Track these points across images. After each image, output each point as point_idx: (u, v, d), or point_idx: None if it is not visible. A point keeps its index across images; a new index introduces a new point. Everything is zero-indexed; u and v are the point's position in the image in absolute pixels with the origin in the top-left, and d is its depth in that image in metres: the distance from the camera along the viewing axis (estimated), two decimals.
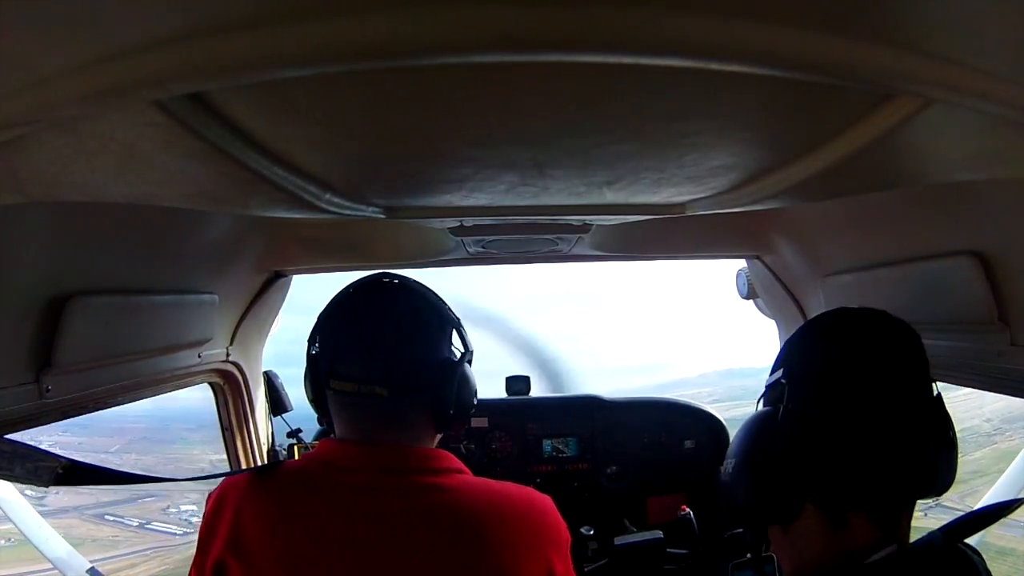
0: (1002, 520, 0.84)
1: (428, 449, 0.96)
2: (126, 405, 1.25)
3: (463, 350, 1.01)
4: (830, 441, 0.75)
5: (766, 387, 0.86)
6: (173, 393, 1.50)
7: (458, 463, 0.95)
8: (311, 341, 0.99)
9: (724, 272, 2.13)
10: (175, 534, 4.12)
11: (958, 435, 0.85)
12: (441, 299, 1.02)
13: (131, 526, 4.11)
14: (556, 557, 0.91)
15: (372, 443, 0.93)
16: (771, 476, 0.77)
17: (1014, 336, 0.98)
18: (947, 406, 0.83)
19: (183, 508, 4.21)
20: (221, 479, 0.97)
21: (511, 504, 0.91)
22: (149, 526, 4.17)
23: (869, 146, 0.68)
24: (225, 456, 1.87)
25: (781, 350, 0.87)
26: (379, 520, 0.86)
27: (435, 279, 1.04)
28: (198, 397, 1.86)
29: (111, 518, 4.07)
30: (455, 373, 0.96)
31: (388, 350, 0.94)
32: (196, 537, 0.94)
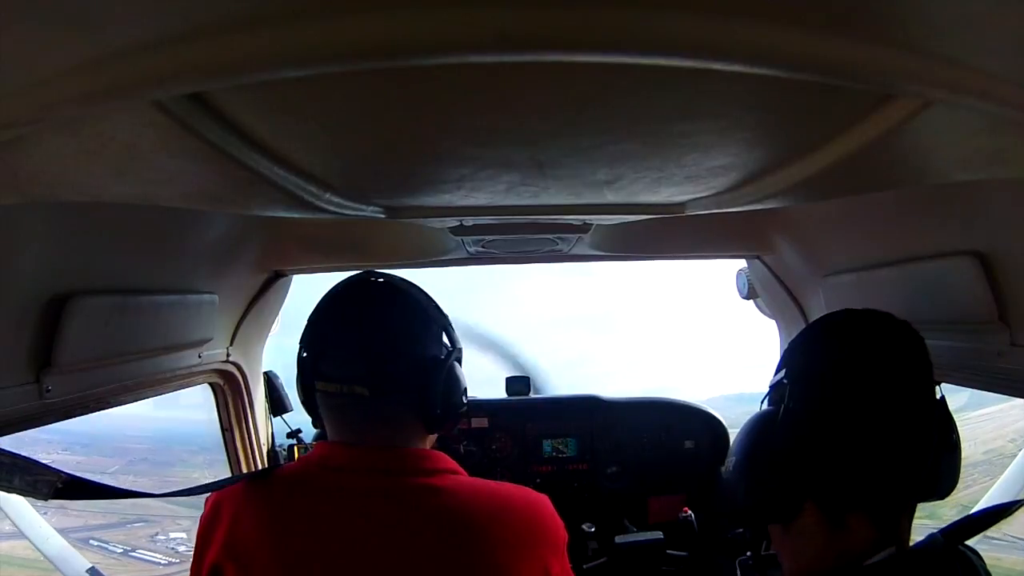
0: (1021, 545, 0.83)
1: (420, 450, 0.95)
2: (130, 425, 1.24)
3: (450, 348, 0.99)
4: (830, 442, 0.76)
5: (770, 387, 0.86)
6: (179, 415, 1.47)
7: (452, 463, 0.94)
8: (301, 343, 0.99)
9: (735, 291, 2.12)
10: (159, 563, 3.96)
11: (983, 457, 0.84)
12: (429, 297, 1.00)
13: (115, 553, 3.95)
14: (552, 557, 0.90)
15: (362, 444, 0.92)
16: (770, 475, 0.78)
17: (1014, 336, 0.98)
18: (970, 427, 0.81)
19: (172, 535, 4.05)
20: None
21: (506, 504, 0.90)
22: (133, 553, 4.00)
23: (869, 146, 0.68)
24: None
25: (785, 350, 0.87)
26: (373, 521, 0.86)
27: (439, 295, 1.03)
28: (203, 420, 1.85)
29: (95, 543, 3.92)
30: (441, 372, 0.94)
31: (370, 349, 0.92)
32: (180, 568, 0.94)
